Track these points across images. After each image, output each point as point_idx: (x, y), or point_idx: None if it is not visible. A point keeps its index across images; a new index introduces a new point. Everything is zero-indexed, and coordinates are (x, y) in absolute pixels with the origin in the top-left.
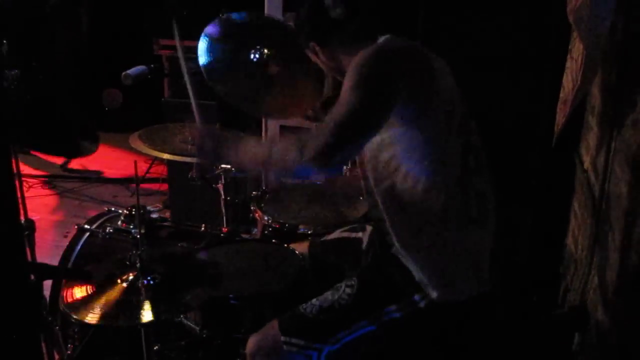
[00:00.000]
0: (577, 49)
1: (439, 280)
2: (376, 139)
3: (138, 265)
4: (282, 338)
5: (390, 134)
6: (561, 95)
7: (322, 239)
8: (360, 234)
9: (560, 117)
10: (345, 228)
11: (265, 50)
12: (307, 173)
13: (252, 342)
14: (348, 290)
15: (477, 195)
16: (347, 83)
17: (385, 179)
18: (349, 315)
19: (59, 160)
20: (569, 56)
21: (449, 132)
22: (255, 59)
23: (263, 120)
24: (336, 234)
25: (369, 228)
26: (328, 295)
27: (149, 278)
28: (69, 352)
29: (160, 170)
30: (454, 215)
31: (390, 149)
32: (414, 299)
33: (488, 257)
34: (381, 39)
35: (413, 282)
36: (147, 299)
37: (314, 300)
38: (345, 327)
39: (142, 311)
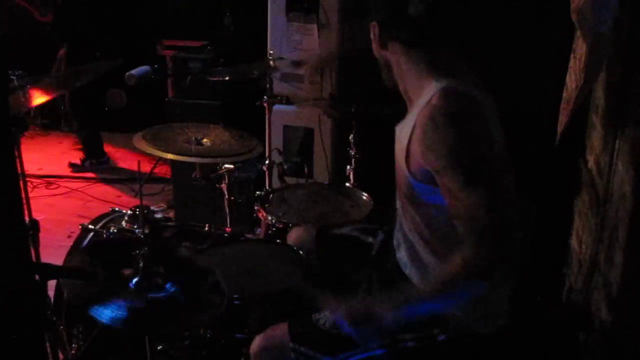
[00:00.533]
0: (580, 47)
1: (457, 318)
2: (418, 192)
3: (141, 265)
4: (291, 345)
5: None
6: (564, 94)
7: (332, 231)
8: (370, 239)
9: (564, 116)
10: (357, 227)
11: None
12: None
13: (257, 342)
14: None
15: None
16: (450, 181)
17: (420, 231)
18: None
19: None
20: (572, 55)
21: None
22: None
23: (266, 120)
24: (347, 230)
25: (380, 234)
26: None
27: (152, 277)
28: (73, 351)
29: (164, 170)
30: None
31: (431, 201)
32: (433, 332)
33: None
34: (442, 89)
35: (433, 315)
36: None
37: (328, 312)
38: (356, 346)
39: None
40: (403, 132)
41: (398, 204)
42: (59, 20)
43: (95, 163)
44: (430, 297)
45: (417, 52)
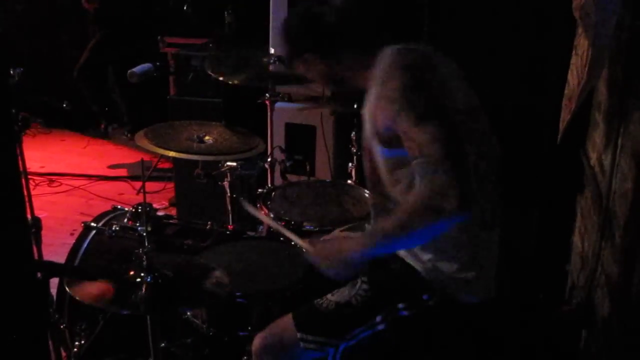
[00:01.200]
0: (581, 45)
1: (443, 285)
2: (391, 155)
3: (144, 263)
4: (299, 335)
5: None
6: (566, 91)
7: (321, 239)
8: (359, 234)
9: (566, 114)
10: (344, 227)
11: None
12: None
13: (258, 341)
14: (364, 286)
15: (490, 201)
16: (404, 121)
17: (396, 191)
18: (365, 311)
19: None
20: (573, 52)
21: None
22: None
23: (268, 118)
24: (335, 233)
25: (368, 227)
26: (345, 290)
27: (155, 275)
28: (75, 349)
29: (166, 168)
30: (469, 223)
31: (404, 164)
32: (424, 297)
33: (495, 263)
34: (394, 49)
35: (421, 281)
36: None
37: (329, 296)
38: (362, 323)
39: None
40: (366, 106)
41: (371, 202)
42: (103, 8)
43: (117, 127)
44: (392, 235)
45: (366, 52)
